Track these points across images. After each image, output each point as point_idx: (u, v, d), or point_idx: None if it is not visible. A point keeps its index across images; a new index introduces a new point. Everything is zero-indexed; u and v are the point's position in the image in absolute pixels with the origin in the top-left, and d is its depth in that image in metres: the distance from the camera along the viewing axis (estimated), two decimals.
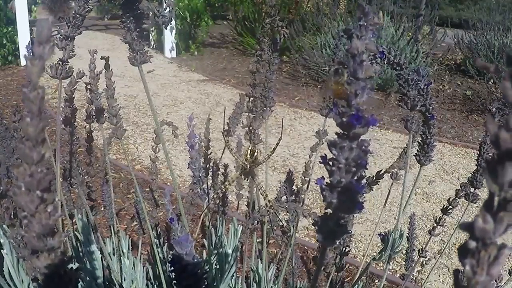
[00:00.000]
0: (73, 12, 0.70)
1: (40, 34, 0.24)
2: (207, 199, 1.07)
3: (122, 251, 1.10)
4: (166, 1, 0.66)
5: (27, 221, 0.30)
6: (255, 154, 0.77)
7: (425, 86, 0.66)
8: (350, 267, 2.00)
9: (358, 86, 0.28)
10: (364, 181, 0.32)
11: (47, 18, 0.25)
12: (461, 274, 0.20)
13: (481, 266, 0.19)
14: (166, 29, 0.83)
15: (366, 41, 0.27)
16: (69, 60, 0.77)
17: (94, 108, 1.01)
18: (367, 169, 0.31)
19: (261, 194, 0.81)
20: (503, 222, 0.18)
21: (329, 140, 0.30)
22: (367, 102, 0.28)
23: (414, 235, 1.25)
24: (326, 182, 0.32)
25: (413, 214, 1.28)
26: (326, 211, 0.34)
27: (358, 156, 0.29)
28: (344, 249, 1.15)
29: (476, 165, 0.97)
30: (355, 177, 0.30)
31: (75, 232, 1.01)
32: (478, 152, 0.96)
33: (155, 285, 1.11)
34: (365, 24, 0.27)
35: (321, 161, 0.31)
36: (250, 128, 0.83)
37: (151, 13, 0.65)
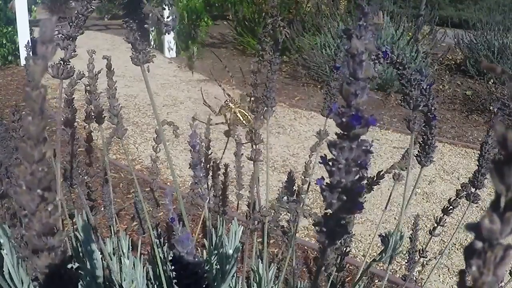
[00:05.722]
0: (76, 12, 0.70)
1: (44, 34, 0.24)
2: (207, 199, 1.06)
3: (122, 251, 1.09)
4: (168, 6, 0.65)
5: (27, 220, 0.29)
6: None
7: (428, 86, 0.66)
8: (350, 267, 2.00)
9: (358, 86, 0.28)
10: (364, 181, 0.31)
11: (50, 18, 0.25)
12: (467, 274, 0.20)
13: (488, 267, 0.18)
14: (169, 34, 0.82)
15: (365, 41, 0.27)
16: (70, 60, 0.76)
17: (93, 108, 1.01)
18: (367, 169, 0.30)
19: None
20: (510, 223, 0.18)
21: (329, 140, 0.30)
22: (367, 102, 0.28)
23: (416, 236, 1.25)
24: (326, 183, 0.32)
25: (417, 216, 1.27)
26: (326, 211, 0.33)
27: (358, 157, 0.29)
28: (344, 249, 1.15)
29: (477, 165, 0.97)
30: (356, 178, 0.30)
31: (75, 232, 1.01)
32: (479, 152, 0.96)
33: (155, 285, 1.10)
34: (365, 24, 0.27)
35: (321, 161, 0.31)
36: (251, 128, 0.83)
37: (151, 14, 0.65)
